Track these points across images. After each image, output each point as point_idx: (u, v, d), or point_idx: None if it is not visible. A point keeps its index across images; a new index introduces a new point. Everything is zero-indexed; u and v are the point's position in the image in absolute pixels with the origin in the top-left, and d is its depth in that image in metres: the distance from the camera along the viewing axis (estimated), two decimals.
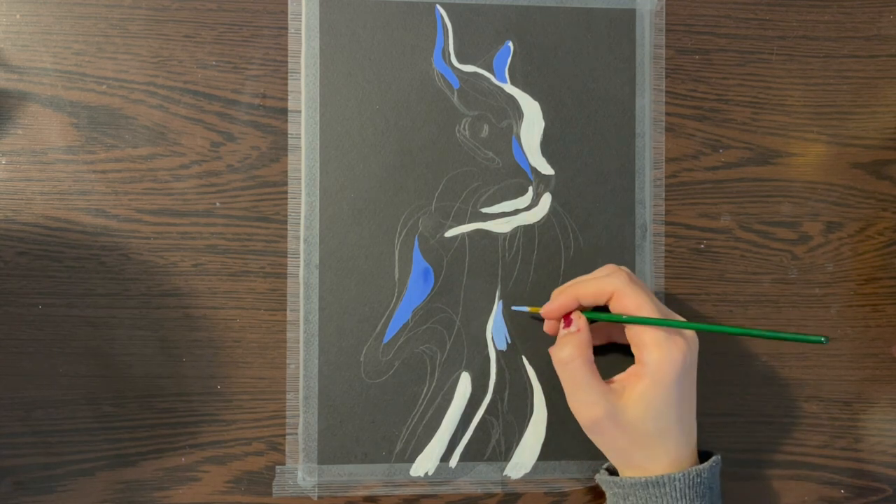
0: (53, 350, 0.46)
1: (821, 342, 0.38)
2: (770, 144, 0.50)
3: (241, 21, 0.47)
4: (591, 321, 0.44)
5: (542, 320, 0.46)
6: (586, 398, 0.42)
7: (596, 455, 0.46)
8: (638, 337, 0.42)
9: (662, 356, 0.41)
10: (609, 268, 0.44)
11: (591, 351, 0.43)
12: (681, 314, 0.49)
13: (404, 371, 0.47)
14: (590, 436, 0.43)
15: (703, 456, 0.44)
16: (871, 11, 0.50)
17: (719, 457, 0.43)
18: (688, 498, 0.41)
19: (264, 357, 0.47)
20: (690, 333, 0.42)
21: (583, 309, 0.44)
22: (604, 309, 0.44)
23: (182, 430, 0.46)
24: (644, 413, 0.41)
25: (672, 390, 0.41)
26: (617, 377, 0.43)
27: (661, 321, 0.41)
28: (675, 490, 0.41)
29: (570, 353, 0.42)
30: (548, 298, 0.47)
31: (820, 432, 0.50)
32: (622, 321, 0.42)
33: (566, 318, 0.44)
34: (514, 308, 0.47)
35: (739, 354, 0.49)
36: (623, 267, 0.45)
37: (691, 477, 0.41)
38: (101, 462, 0.46)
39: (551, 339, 0.47)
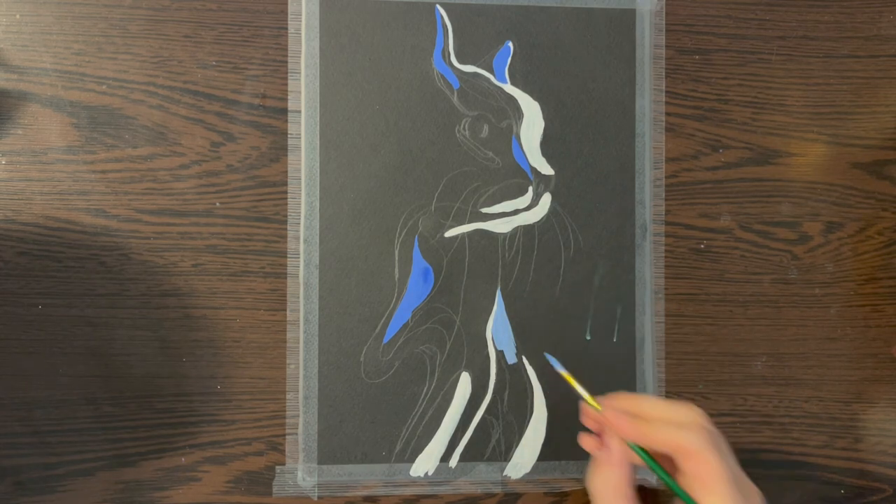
0: (53, 350, 0.46)
1: None
2: (770, 144, 0.50)
3: (241, 21, 0.47)
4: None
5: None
6: None
7: None
8: (705, 501, 0.36)
9: None
10: (688, 412, 0.38)
11: (631, 488, 0.38)
12: (680, 314, 0.49)
13: (404, 371, 0.47)
14: None
15: None
16: (871, 11, 0.51)
17: None
18: None
19: (264, 357, 0.47)
20: (758, 501, 0.37)
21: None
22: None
23: (182, 430, 0.46)
24: None
25: None
26: None
27: None
28: None
29: (607, 491, 0.38)
30: (548, 299, 0.47)
31: (820, 432, 0.50)
32: (679, 494, 0.37)
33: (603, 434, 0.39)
34: (548, 358, 0.44)
35: (739, 354, 0.49)
36: (702, 414, 0.38)
37: None
38: (101, 462, 0.46)
39: (551, 340, 0.47)
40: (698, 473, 0.36)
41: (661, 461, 0.38)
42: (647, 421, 0.38)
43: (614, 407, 0.39)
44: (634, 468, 0.39)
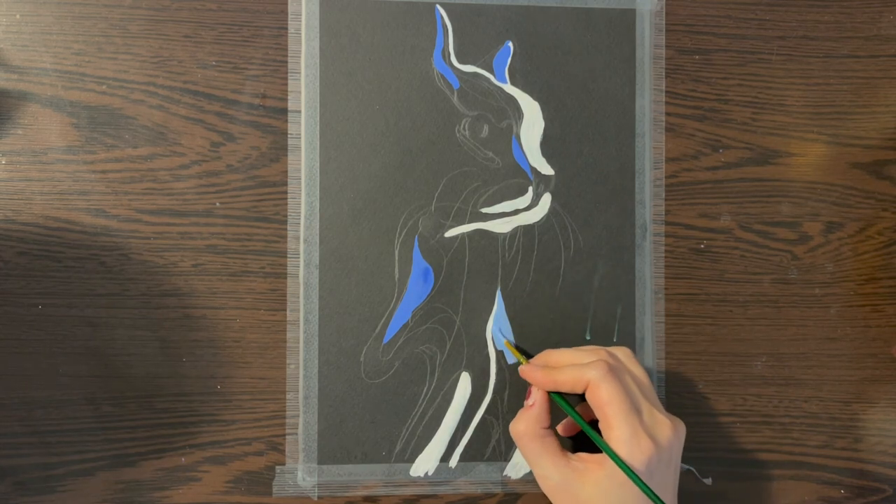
0: (53, 350, 0.46)
1: None
2: (770, 144, 0.50)
3: (241, 21, 0.47)
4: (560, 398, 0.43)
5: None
6: (539, 471, 0.42)
7: None
8: (606, 430, 0.40)
9: (623, 456, 0.39)
10: (591, 353, 0.43)
11: (541, 426, 0.42)
12: (680, 314, 0.49)
13: (404, 371, 0.47)
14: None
15: None
16: (871, 11, 0.51)
17: None
18: None
19: (264, 357, 0.47)
20: (667, 432, 0.40)
21: None
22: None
23: (182, 430, 0.46)
24: (600, 500, 0.40)
25: (632, 488, 0.39)
26: (583, 455, 0.42)
27: (601, 443, 0.39)
28: None
29: (520, 429, 0.42)
30: (548, 299, 0.47)
31: (820, 432, 0.50)
32: (580, 423, 0.41)
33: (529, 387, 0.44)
34: (503, 341, 0.47)
35: (739, 354, 0.49)
36: (616, 350, 0.43)
37: None
38: (101, 462, 0.46)
39: (551, 340, 0.47)
40: (596, 403, 0.40)
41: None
42: (558, 368, 0.42)
43: (533, 362, 0.44)
44: (548, 411, 0.43)
